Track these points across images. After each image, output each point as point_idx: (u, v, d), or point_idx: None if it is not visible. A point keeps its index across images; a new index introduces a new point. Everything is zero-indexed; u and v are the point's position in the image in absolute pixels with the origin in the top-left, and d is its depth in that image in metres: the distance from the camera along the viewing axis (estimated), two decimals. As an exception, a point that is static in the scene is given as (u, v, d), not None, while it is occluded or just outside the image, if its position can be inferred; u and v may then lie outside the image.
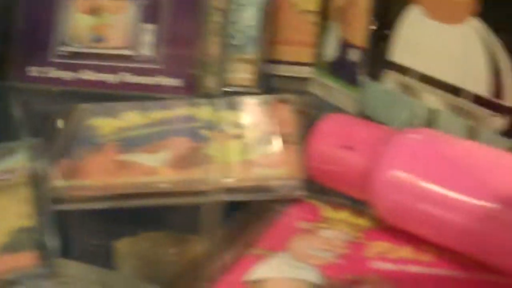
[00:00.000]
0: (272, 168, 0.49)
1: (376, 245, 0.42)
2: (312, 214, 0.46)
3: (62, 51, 0.69)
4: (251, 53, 0.69)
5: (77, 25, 0.69)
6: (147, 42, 0.67)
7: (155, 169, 0.50)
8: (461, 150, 0.41)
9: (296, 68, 0.73)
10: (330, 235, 0.43)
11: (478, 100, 0.45)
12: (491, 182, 0.39)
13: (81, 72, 0.68)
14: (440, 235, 0.40)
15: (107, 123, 0.57)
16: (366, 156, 0.43)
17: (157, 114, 0.58)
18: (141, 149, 0.52)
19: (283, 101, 0.59)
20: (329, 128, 0.46)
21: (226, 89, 0.68)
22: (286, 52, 0.73)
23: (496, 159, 0.40)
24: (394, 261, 0.41)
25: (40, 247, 0.44)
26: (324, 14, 0.67)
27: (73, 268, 0.48)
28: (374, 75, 0.54)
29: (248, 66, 0.69)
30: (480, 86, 0.45)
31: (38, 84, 0.68)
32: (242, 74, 0.69)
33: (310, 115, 0.55)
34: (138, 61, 0.67)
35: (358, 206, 0.45)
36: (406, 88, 0.51)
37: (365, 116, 0.55)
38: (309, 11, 0.71)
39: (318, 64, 0.68)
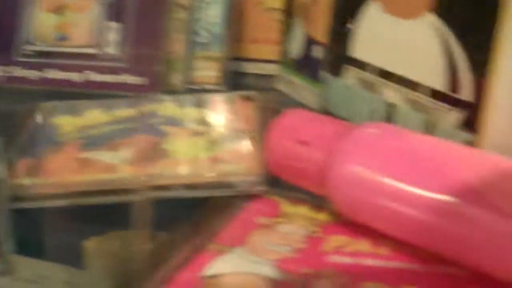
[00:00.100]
0: (232, 164, 0.49)
1: (334, 239, 0.42)
2: (271, 210, 0.46)
3: (27, 50, 0.69)
4: (216, 50, 0.69)
5: (41, 24, 0.69)
6: (111, 40, 0.67)
7: (116, 166, 0.50)
8: (417, 144, 0.42)
9: (263, 65, 0.73)
10: (288, 230, 0.43)
11: (435, 94, 0.45)
12: (446, 176, 0.39)
13: (46, 71, 0.68)
14: (397, 228, 0.40)
15: (70, 121, 0.57)
16: (323, 151, 0.43)
17: (121, 112, 0.58)
18: (103, 147, 0.52)
19: (247, 98, 0.59)
20: (287, 123, 0.46)
21: (192, 86, 0.68)
22: (253, 50, 0.73)
23: (452, 153, 0.41)
24: (351, 254, 0.41)
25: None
26: (289, 12, 0.67)
27: (41, 267, 0.48)
28: (335, 71, 0.54)
29: (213, 63, 0.69)
30: (437, 80, 0.45)
31: (2, 84, 0.68)
32: (207, 71, 0.69)
33: (275, 112, 0.55)
34: (102, 60, 0.67)
35: (317, 201, 0.45)
36: (366, 84, 0.51)
37: (327, 112, 0.55)
38: (274, 9, 0.71)
39: (283, 61, 0.68)
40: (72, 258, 0.49)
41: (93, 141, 0.53)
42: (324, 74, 0.56)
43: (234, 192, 0.47)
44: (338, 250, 0.41)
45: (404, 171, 0.40)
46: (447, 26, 0.44)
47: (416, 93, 0.47)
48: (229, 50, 0.70)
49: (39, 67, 0.68)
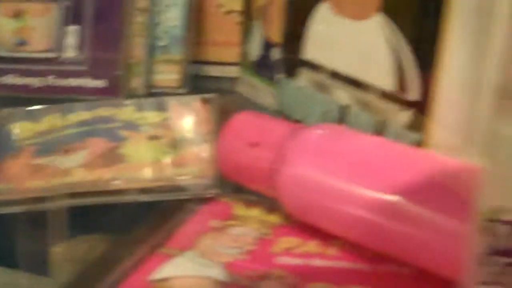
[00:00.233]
0: (187, 168, 0.49)
1: (284, 241, 0.43)
2: (224, 212, 0.46)
3: (-15, 56, 0.68)
4: (176, 53, 0.69)
5: (0, 29, 0.69)
6: (71, 44, 0.67)
7: (70, 170, 0.50)
8: (364, 145, 0.42)
9: (224, 68, 0.73)
10: (239, 232, 0.44)
11: (385, 95, 0.46)
12: (391, 176, 0.39)
13: (5, 77, 0.67)
14: (345, 229, 0.41)
15: (28, 127, 0.56)
16: (272, 153, 0.43)
17: (78, 116, 0.57)
18: (58, 152, 0.52)
19: (206, 101, 0.59)
20: (238, 126, 0.46)
21: (152, 90, 0.68)
22: (214, 53, 0.73)
23: (397, 154, 0.41)
24: (300, 255, 0.41)
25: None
26: (248, 14, 0.67)
27: (5, 276, 0.48)
28: (290, 73, 0.54)
29: (173, 67, 0.69)
30: (386, 81, 0.45)
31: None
32: (168, 75, 0.69)
33: (235, 114, 0.55)
34: (62, 64, 0.67)
35: (269, 203, 0.45)
36: (319, 85, 0.51)
37: (283, 113, 0.55)
38: (234, 11, 0.71)
39: (243, 63, 0.68)
40: (38, 265, 0.48)
41: (49, 146, 0.53)
42: (279, 76, 0.56)
43: (187, 195, 0.47)
44: (287, 252, 0.42)
45: (350, 172, 0.40)
46: (394, 27, 0.44)
47: (367, 94, 0.47)
48: (189, 53, 0.70)
49: (-2, 73, 0.68)
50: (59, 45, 0.67)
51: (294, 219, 0.44)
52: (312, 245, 0.42)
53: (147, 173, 0.49)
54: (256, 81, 0.65)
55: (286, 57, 0.55)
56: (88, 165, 0.50)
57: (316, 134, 0.43)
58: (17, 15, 0.68)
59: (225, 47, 0.72)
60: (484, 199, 0.28)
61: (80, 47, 0.67)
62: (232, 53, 0.71)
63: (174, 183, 0.48)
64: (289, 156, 0.42)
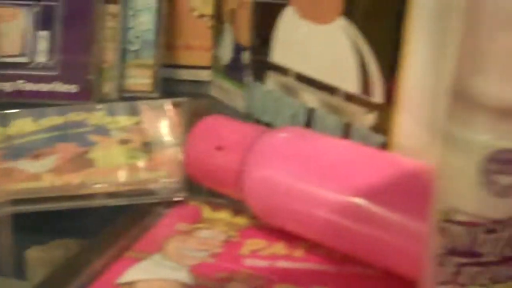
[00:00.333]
0: (155, 172, 0.49)
1: (250, 243, 0.43)
2: (192, 216, 0.46)
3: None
4: (148, 58, 0.69)
5: (-30, 34, 0.69)
6: (41, 49, 0.67)
7: (39, 175, 0.50)
8: (328, 148, 0.43)
9: (196, 71, 0.73)
10: (207, 235, 0.44)
11: (350, 98, 0.46)
12: (355, 178, 0.40)
13: (-24, 82, 0.67)
14: (310, 231, 0.41)
15: (-2, 131, 0.57)
16: (238, 156, 0.43)
17: (49, 120, 0.58)
18: (27, 156, 0.52)
19: (177, 105, 0.59)
20: (205, 130, 0.47)
21: (124, 94, 0.68)
22: (186, 56, 0.74)
23: (361, 156, 0.42)
24: (267, 257, 0.41)
25: None
26: (219, 18, 0.67)
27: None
28: (258, 76, 0.55)
29: (145, 71, 0.69)
30: (351, 84, 0.46)
31: None
32: (140, 79, 0.69)
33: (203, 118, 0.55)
34: (33, 69, 0.67)
35: (237, 205, 0.46)
36: (287, 89, 0.52)
37: (252, 117, 0.56)
38: (206, 15, 0.72)
39: (215, 67, 0.69)
40: (13, 268, 0.48)
41: (18, 150, 0.53)
42: (248, 79, 0.57)
43: (155, 199, 0.47)
44: (254, 254, 0.42)
45: (315, 175, 0.41)
46: (357, 30, 0.45)
47: (333, 97, 0.48)
48: (161, 57, 0.70)
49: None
50: (30, 50, 0.67)
51: (261, 221, 0.44)
52: (279, 247, 0.42)
53: (116, 177, 0.49)
54: (227, 85, 0.66)
55: (255, 60, 0.55)
56: (57, 170, 0.50)
57: (281, 137, 0.43)
58: (-13, 20, 0.68)
59: (198, 51, 0.73)
60: (439, 200, 0.28)
61: (51, 52, 0.67)
62: (204, 57, 0.72)
63: (143, 187, 0.48)
64: (254, 159, 0.42)
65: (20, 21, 0.68)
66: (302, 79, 0.50)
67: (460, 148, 0.27)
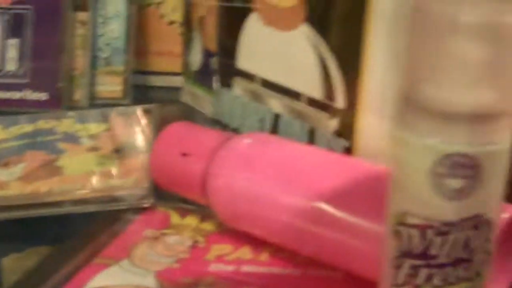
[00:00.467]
0: (123, 179, 0.50)
1: (216, 248, 0.43)
2: (161, 222, 0.47)
3: None
4: (118, 65, 0.70)
5: None
6: (11, 57, 0.67)
7: (7, 183, 0.50)
8: (292, 153, 0.43)
9: (168, 78, 0.74)
10: (174, 241, 0.44)
11: (314, 103, 0.47)
12: (319, 183, 0.40)
13: None
14: (273, 235, 0.42)
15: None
16: (204, 163, 0.44)
17: (19, 128, 0.58)
18: (-4, 165, 0.52)
19: (147, 111, 0.59)
20: (171, 136, 0.47)
21: (95, 101, 0.68)
22: (157, 63, 0.74)
23: (325, 161, 0.42)
24: (232, 262, 0.42)
25: None
26: (188, 24, 0.68)
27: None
28: (226, 82, 0.55)
29: (116, 78, 0.70)
30: (315, 89, 0.46)
31: None
32: (111, 86, 0.69)
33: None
34: (3, 77, 0.67)
35: (204, 211, 0.46)
36: (254, 94, 0.52)
37: (221, 122, 0.56)
38: (176, 22, 0.72)
39: (186, 73, 0.69)
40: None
41: (-13, 159, 0.53)
42: (217, 85, 0.57)
43: (122, 206, 0.48)
44: (220, 259, 0.43)
45: (279, 180, 0.41)
46: (319, 36, 0.45)
47: (298, 103, 0.48)
48: (131, 64, 0.71)
49: None
50: (0, 58, 0.67)
51: (227, 226, 0.44)
52: (245, 252, 0.43)
53: (84, 184, 0.49)
54: (198, 91, 0.66)
55: (222, 66, 0.56)
56: (25, 178, 0.50)
57: (246, 143, 0.44)
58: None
59: (169, 57, 0.73)
60: (393, 204, 0.29)
61: (21, 60, 0.67)
62: (175, 63, 0.72)
63: (111, 193, 0.48)
64: (219, 165, 0.43)
65: (-11, 29, 0.68)
66: (268, 85, 0.51)
67: (411, 152, 0.28)
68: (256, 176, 0.42)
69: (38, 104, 0.66)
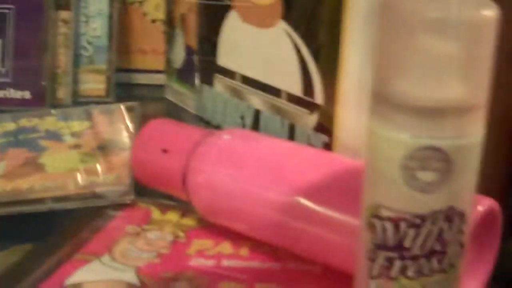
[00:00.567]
0: (105, 175, 0.50)
1: (197, 243, 0.44)
2: (142, 218, 0.47)
3: None
4: (101, 63, 0.70)
5: None
6: (-7, 56, 0.67)
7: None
8: (271, 148, 0.44)
9: (151, 75, 0.74)
10: (154, 236, 0.45)
11: (294, 99, 0.47)
12: (298, 178, 0.41)
13: None
14: (252, 229, 0.42)
15: None
16: (182, 159, 0.44)
17: (2, 127, 0.58)
18: (-22, 163, 0.53)
19: (130, 109, 0.60)
20: (151, 133, 0.47)
21: (78, 99, 0.69)
22: (141, 61, 0.74)
23: (303, 156, 0.43)
24: (213, 257, 0.42)
25: None
26: (170, 22, 0.68)
27: None
28: (207, 80, 0.56)
29: (99, 76, 0.70)
30: (294, 86, 0.47)
31: None
32: (93, 84, 0.69)
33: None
34: (-15, 75, 0.67)
35: (185, 206, 0.47)
36: (234, 91, 0.53)
37: (203, 119, 0.57)
38: (159, 20, 0.72)
39: (169, 70, 0.69)
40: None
41: (-30, 157, 0.53)
42: (198, 83, 0.57)
43: (103, 202, 0.48)
44: (200, 253, 0.43)
45: (258, 175, 0.42)
46: (296, 33, 0.46)
47: (278, 99, 0.49)
48: (114, 62, 0.71)
49: None
50: (-18, 58, 0.68)
51: (208, 221, 0.45)
52: (225, 246, 0.43)
53: (66, 181, 0.49)
54: (180, 88, 0.67)
55: (203, 64, 0.56)
56: (7, 176, 0.50)
57: (225, 139, 0.44)
58: None
59: (152, 55, 0.74)
60: (367, 197, 0.30)
61: (4, 59, 0.67)
62: (158, 61, 0.72)
63: (93, 190, 0.48)
64: (198, 161, 0.43)
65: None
66: (247, 81, 0.51)
67: (383, 146, 0.28)
68: (236, 172, 0.42)
69: (21, 102, 0.66)
